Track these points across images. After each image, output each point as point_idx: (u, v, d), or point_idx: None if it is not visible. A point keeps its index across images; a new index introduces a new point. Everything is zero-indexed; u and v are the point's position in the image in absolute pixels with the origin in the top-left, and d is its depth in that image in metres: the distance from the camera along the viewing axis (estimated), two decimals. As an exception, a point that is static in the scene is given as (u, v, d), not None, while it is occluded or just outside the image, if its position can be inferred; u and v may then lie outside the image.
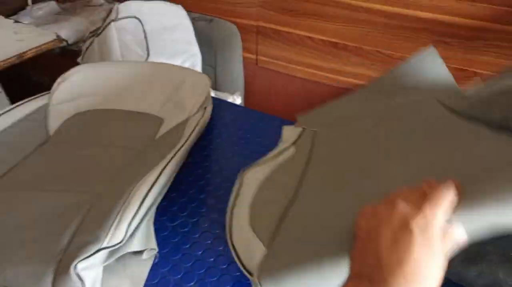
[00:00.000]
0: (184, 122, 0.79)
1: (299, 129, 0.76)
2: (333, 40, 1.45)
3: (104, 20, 1.64)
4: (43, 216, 0.57)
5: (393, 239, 0.34)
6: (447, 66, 0.74)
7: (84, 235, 0.52)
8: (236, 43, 1.64)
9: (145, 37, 1.52)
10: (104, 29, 1.55)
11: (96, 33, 1.63)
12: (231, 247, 0.49)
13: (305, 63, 1.57)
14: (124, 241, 0.52)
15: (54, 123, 0.80)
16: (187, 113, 0.82)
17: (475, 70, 1.24)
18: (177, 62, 1.53)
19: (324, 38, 1.47)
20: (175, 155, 0.64)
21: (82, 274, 0.48)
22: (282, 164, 0.62)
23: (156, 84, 0.89)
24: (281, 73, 1.65)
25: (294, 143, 0.71)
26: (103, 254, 0.50)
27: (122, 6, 1.51)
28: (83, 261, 0.48)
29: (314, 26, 1.46)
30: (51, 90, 0.86)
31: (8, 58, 1.38)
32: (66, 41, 1.67)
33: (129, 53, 1.52)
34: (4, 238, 0.54)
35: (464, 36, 1.20)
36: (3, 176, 0.67)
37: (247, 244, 0.48)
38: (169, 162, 0.62)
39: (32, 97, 0.82)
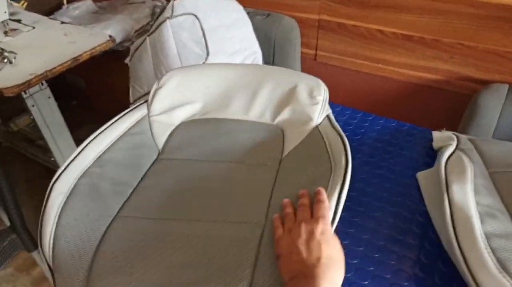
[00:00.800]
0: (316, 133, 0.70)
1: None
2: (407, 33, 1.36)
3: (154, 17, 1.55)
4: (217, 251, 0.51)
5: (307, 246, 0.48)
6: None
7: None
8: (295, 38, 1.55)
9: (203, 35, 1.42)
10: (158, 27, 1.46)
11: (147, 31, 1.54)
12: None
13: (372, 58, 1.48)
14: None
15: (160, 137, 0.74)
16: (311, 122, 0.73)
17: None
18: (238, 60, 1.44)
19: (396, 31, 1.38)
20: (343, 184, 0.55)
21: None
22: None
23: (266, 89, 0.80)
24: (343, 69, 1.56)
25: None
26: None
27: (177, 3, 1.42)
28: None
29: (385, 18, 1.37)
30: (149, 99, 0.77)
31: (64, 62, 1.29)
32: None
33: (186, 52, 1.42)
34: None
35: None
36: (128, 199, 0.61)
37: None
38: (341, 190, 0.54)
39: (128, 109, 0.74)
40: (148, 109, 0.76)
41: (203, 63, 1.39)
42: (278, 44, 1.54)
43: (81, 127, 1.99)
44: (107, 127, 0.69)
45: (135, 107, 0.77)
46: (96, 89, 2.20)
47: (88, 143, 0.64)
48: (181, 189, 0.63)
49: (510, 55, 1.23)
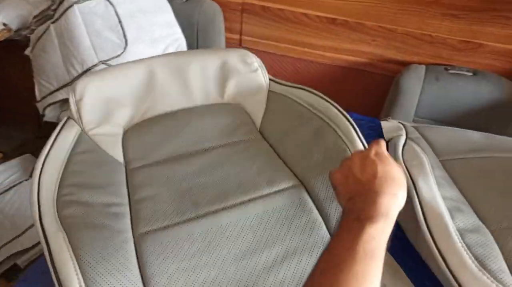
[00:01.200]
0: (275, 96, 0.71)
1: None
2: (331, 16, 1.37)
3: (58, 2, 1.36)
4: (269, 230, 0.51)
5: (362, 168, 0.46)
6: (451, 39, 0.74)
7: None
8: (219, 22, 1.48)
9: (120, 22, 1.28)
10: (63, 13, 1.28)
11: (49, 17, 1.35)
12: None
13: (298, 42, 1.47)
14: None
15: (113, 149, 0.65)
16: (262, 88, 0.73)
17: (480, 41, 1.25)
18: (160, 48, 1.33)
19: (320, 14, 1.38)
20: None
21: None
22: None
23: (194, 72, 0.76)
24: (269, 53, 1.53)
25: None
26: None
27: (85, -15, 1.25)
28: None
29: (311, 2, 1.36)
30: (72, 114, 0.66)
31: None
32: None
33: (101, 41, 1.28)
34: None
35: (473, 8, 1.20)
36: (137, 217, 0.55)
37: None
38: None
39: (56, 132, 0.62)
40: (80, 124, 0.67)
41: (122, 53, 1.26)
42: (202, 29, 1.46)
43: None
44: (47, 155, 0.57)
45: (62, 127, 0.65)
46: (-10, 85, 1.91)
47: (40, 173, 0.54)
48: (187, 188, 0.57)
49: (426, 38, 1.30)
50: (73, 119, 0.66)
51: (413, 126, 0.71)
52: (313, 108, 0.63)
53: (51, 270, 0.45)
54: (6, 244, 1.26)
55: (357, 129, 0.56)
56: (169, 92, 0.75)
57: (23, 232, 1.28)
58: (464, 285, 0.42)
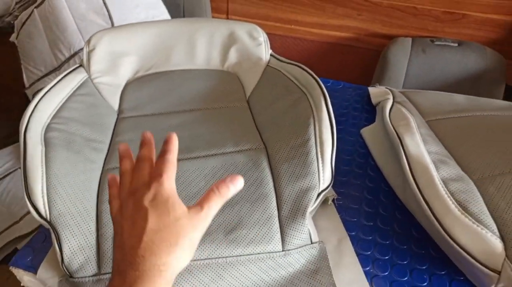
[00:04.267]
0: (271, 70, 0.74)
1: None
2: (316, -9, 1.37)
3: (40, -14, 1.34)
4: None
5: (132, 222, 0.34)
6: (435, 11, 0.76)
7: (295, 184, 0.52)
8: (205, 2, 1.47)
9: (104, 4, 1.28)
10: (46, -3, 1.27)
11: (32, 2, 1.33)
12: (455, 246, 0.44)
13: (285, 19, 1.48)
14: (332, 182, 0.53)
15: (111, 98, 0.71)
16: (261, 62, 0.76)
17: (464, 12, 1.27)
18: (147, 30, 1.33)
19: (306, -10, 1.38)
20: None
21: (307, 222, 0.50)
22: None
23: (203, 37, 0.79)
24: (257, 33, 1.54)
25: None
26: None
27: (67, -32, 1.24)
28: (308, 209, 0.50)
29: (295, -22, 1.36)
30: (83, 62, 0.72)
31: None
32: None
33: (87, 25, 1.27)
34: None
35: (455, -22, 1.22)
36: (112, 155, 0.60)
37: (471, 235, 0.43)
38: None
39: (65, 73, 0.67)
40: (87, 72, 0.71)
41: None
42: (188, 10, 1.45)
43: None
44: (49, 89, 0.61)
45: (72, 71, 0.69)
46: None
47: (37, 103, 0.57)
48: (162, 138, 0.60)
49: (410, 10, 1.32)
50: (83, 67, 0.70)
51: (400, 91, 0.73)
52: (298, 82, 0.65)
53: (22, 173, 0.50)
54: (4, 230, 1.27)
55: (327, 97, 0.57)
56: (174, 53, 0.78)
57: (21, 218, 1.29)
58: (448, 227, 0.44)
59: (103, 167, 0.57)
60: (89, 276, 0.46)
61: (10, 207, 1.41)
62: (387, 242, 0.54)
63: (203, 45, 0.79)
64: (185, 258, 0.34)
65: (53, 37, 1.29)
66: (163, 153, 0.37)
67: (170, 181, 0.35)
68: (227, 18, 1.53)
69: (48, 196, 0.48)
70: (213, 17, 1.52)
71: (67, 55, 1.27)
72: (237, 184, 0.35)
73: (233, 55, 0.78)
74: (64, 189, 0.50)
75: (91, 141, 0.59)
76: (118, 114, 0.69)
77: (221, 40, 0.79)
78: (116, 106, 0.70)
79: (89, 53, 0.72)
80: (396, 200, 0.58)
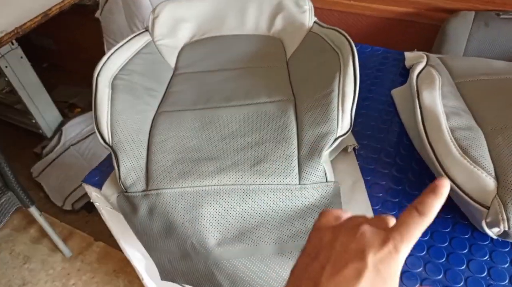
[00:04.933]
0: (311, 35, 0.80)
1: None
2: (377, -34, 1.37)
3: (121, -34, 1.50)
4: (252, 124, 0.64)
5: (340, 267, 0.27)
6: None
7: (315, 129, 0.58)
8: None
9: (174, -20, 1.40)
10: (126, -24, 1.42)
11: (115, -18, 1.50)
12: (452, 185, 0.48)
13: (344, -5, 1.50)
14: (350, 129, 0.58)
15: (169, 57, 0.83)
16: (304, 27, 0.82)
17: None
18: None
19: (366, -36, 1.38)
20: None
21: (325, 166, 0.56)
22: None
23: (253, 6, 0.88)
24: (316, 8, 1.56)
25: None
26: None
27: None
28: (324, 151, 0.56)
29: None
30: (149, 28, 0.85)
31: (35, 18, 1.26)
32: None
33: (158, 1, 1.40)
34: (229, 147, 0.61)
35: None
36: (164, 101, 0.73)
37: (467, 175, 0.47)
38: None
39: (132, 36, 0.80)
40: (151, 35, 0.83)
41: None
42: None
43: (55, 90, 1.97)
44: (119, 48, 0.74)
45: (137, 34, 0.82)
46: (66, 48, 2.15)
47: (108, 58, 0.70)
48: (208, 90, 0.73)
49: (476, -18, 1.27)
50: (148, 31, 0.83)
51: (437, 56, 0.75)
52: (333, 43, 0.70)
53: (93, 110, 0.63)
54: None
55: (355, 55, 0.61)
56: (227, 20, 0.88)
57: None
58: (447, 167, 0.48)
59: (156, 110, 0.69)
60: (139, 192, 0.58)
61: (90, 162, 1.63)
62: (399, 188, 0.58)
63: (253, 13, 0.87)
64: None
65: (130, 13, 1.45)
66: (419, 210, 0.28)
67: (406, 254, 0.27)
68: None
69: (111, 126, 0.61)
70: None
71: (141, 29, 1.43)
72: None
73: (279, 22, 0.86)
74: (124, 122, 0.61)
75: (149, 90, 0.71)
76: (173, 71, 0.81)
77: (269, 8, 0.87)
78: (172, 64, 0.82)
79: (154, 20, 0.84)
80: (415, 153, 0.62)
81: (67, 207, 1.51)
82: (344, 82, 0.60)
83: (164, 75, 0.78)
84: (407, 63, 0.75)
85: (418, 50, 1.50)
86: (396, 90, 0.73)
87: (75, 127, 1.71)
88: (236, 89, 0.71)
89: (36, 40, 2.17)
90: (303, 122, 0.60)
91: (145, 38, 0.81)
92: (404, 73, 0.78)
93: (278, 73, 0.75)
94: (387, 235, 0.27)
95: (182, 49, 0.86)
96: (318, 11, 1.58)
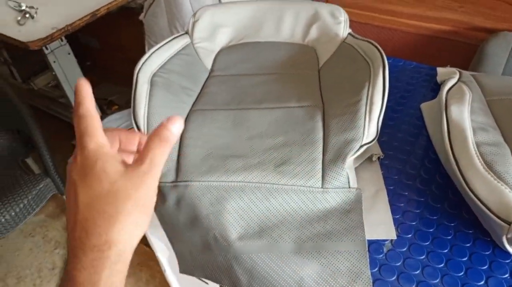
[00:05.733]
0: (345, 45, 0.82)
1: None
2: (417, -18, 1.37)
3: (166, -28, 1.56)
4: (280, 126, 0.66)
5: (68, 203, 0.30)
6: None
7: (341, 135, 0.59)
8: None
9: (216, -13, 1.45)
10: (171, -18, 1.49)
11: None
12: (473, 198, 0.48)
13: (382, 10, 1.50)
14: (376, 138, 0.59)
15: (206, 60, 0.87)
16: (338, 38, 0.85)
17: None
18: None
19: (406, -20, 1.39)
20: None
21: (348, 172, 0.58)
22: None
23: (289, 14, 0.91)
24: (352, 22, 1.57)
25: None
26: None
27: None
28: (349, 157, 0.57)
29: (396, -31, 1.38)
30: (188, 31, 0.89)
31: (84, 17, 1.34)
32: (130, -4, 1.61)
33: (199, 4, 1.46)
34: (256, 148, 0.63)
35: None
36: (199, 100, 0.76)
37: (490, 189, 0.47)
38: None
39: (172, 37, 0.85)
40: (191, 38, 0.88)
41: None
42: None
43: (97, 87, 2.07)
44: (159, 47, 0.79)
45: (177, 36, 0.87)
46: (109, 48, 2.25)
47: (149, 56, 0.74)
48: (241, 92, 0.77)
49: (519, 3, 1.25)
50: (188, 34, 0.88)
51: (471, 74, 0.75)
52: (365, 54, 0.71)
53: (132, 103, 0.66)
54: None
55: (386, 67, 0.62)
56: (263, 27, 0.92)
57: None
58: (470, 180, 0.48)
59: (191, 108, 0.73)
60: (168, 182, 0.61)
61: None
62: (422, 199, 0.59)
63: (289, 21, 0.91)
64: (136, 226, 0.29)
65: (171, 16, 1.51)
66: (75, 108, 0.31)
67: (95, 138, 0.30)
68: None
69: (147, 119, 0.64)
70: (312, 5, 1.61)
71: (181, 31, 1.49)
72: (177, 124, 0.31)
73: (314, 32, 0.88)
74: (159, 116, 0.65)
75: (185, 89, 0.75)
76: (209, 73, 0.84)
77: (305, 18, 0.90)
78: (209, 66, 0.86)
79: (194, 24, 0.89)
80: (440, 167, 0.62)
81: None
82: (372, 92, 0.61)
83: (200, 76, 0.82)
84: (439, 79, 0.76)
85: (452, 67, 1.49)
86: (425, 104, 0.73)
87: (111, 124, 1.77)
88: (268, 93, 0.74)
89: (82, 39, 2.29)
90: (329, 127, 0.62)
91: (184, 40, 0.86)
92: (435, 89, 0.78)
93: (309, 80, 0.77)
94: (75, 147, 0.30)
95: (219, 52, 0.89)
96: (354, 25, 1.59)
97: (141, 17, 1.68)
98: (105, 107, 1.95)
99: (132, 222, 0.28)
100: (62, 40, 1.50)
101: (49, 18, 1.33)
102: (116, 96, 2.03)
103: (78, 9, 1.36)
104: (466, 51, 1.40)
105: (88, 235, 0.27)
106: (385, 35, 1.56)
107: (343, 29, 0.85)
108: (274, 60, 0.84)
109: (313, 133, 0.63)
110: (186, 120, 0.70)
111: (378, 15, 1.52)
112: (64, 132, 1.95)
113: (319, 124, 0.64)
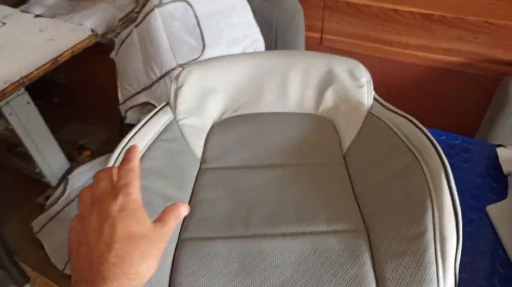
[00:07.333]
0: (373, 120, 0.62)
1: None
2: (426, 11, 1.22)
3: (139, 4, 1.38)
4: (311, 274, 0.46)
5: (99, 231, 0.33)
6: None
7: None
8: (299, 21, 1.39)
9: (198, 23, 1.26)
10: (145, 17, 1.29)
11: (132, 20, 1.37)
12: None
13: (386, 40, 1.34)
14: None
15: (195, 143, 0.67)
16: (362, 108, 0.65)
17: None
18: (238, 50, 1.29)
19: (413, 9, 1.23)
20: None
21: None
22: None
23: (296, 76, 0.71)
24: (353, 53, 1.42)
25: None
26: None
27: (166, -13, 1.25)
28: None
29: (401, -4, 1.22)
30: (170, 101, 0.68)
31: (42, 65, 1.13)
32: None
33: (179, 44, 1.27)
34: None
35: None
36: (189, 220, 0.55)
37: None
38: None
39: (152, 113, 0.65)
40: (173, 112, 0.68)
41: (199, 56, 1.24)
42: (280, 29, 1.39)
43: (65, 126, 1.84)
44: (135, 133, 0.59)
45: (159, 110, 0.67)
46: (79, 84, 2.03)
47: (120, 152, 0.55)
48: (245, 199, 0.56)
49: (544, 33, 1.10)
50: (170, 106, 0.67)
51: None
52: (408, 141, 0.53)
53: None
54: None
55: (448, 171, 0.45)
56: (264, 93, 0.72)
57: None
58: None
59: (179, 236, 0.52)
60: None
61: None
62: None
63: (297, 84, 0.71)
64: (154, 267, 0.33)
65: (147, 56, 1.31)
66: (125, 162, 0.37)
67: (137, 192, 0.35)
68: (321, 37, 1.44)
69: None
70: (306, 36, 1.44)
71: (158, 74, 1.29)
72: (185, 207, 0.38)
73: (329, 98, 0.69)
74: None
75: (169, 200, 0.55)
76: (200, 164, 0.64)
77: (317, 78, 0.70)
78: (199, 153, 0.66)
79: (177, 91, 0.69)
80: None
81: (68, 271, 1.35)
82: (441, 219, 0.43)
83: (188, 173, 0.61)
84: (504, 169, 0.58)
85: (468, 104, 1.33)
86: (494, 207, 0.55)
87: (81, 176, 1.56)
88: (283, 205, 0.54)
89: (49, 75, 2.06)
90: (385, 277, 0.43)
91: (166, 117, 0.65)
92: (495, 176, 0.60)
93: (336, 177, 0.57)
94: (115, 190, 0.35)
95: (210, 130, 0.69)
96: (353, 57, 1.42)
97: (112, 55, 1.48)
98: (75, 153, 1.73)
99: (153, 263, 0.33)
100: (19, 90, 1.27)
101: (1, 68, 1.11)
102: (87, 139, 1.81)
103: (36, 55, 1.15)
104: (483, 85, 1.25)
105: (123, 262, 0.31)
106: (390, 67, 1.40)
107: (367, 95, 0.67)
108: (282, 143, 0.64)
109: (361, 286, 0.43)
110: (175, 257, 0.49)
111: (383, 46, 1.36)
112: (24, 187, 1.71)
113: (368, 268, 0.45)
